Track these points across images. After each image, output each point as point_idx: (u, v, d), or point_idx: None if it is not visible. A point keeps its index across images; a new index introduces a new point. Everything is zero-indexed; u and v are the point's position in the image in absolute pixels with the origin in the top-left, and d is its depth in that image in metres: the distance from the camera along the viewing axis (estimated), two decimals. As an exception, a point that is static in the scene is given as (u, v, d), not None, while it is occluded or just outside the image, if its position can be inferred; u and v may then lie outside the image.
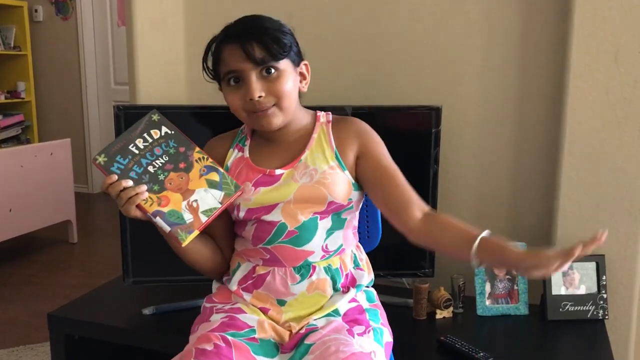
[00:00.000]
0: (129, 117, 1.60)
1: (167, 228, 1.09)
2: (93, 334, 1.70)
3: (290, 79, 1.16)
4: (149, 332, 1.64)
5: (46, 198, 3.38)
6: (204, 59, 1.21)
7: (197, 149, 1.15)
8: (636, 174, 1.64)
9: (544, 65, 1.76)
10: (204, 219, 1.11)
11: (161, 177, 1.12)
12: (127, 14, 1.97)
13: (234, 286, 1.22)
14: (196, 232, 1.10)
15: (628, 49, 1.59)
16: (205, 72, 1.21)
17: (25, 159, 3.25)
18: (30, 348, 2.34)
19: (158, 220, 1.09)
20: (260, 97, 1.12)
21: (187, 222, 1.10)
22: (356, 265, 1.26)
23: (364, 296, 1.26)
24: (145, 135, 1.14)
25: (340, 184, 1.17)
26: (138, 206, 1.09)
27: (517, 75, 1.79)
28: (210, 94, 2.04)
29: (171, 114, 1.66)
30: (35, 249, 3.59)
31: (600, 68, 1.62)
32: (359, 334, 1.13)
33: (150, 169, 1.12)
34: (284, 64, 1.15)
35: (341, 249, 1.22)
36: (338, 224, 1.20)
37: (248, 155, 1.22)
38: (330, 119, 1.26)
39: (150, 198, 1.10)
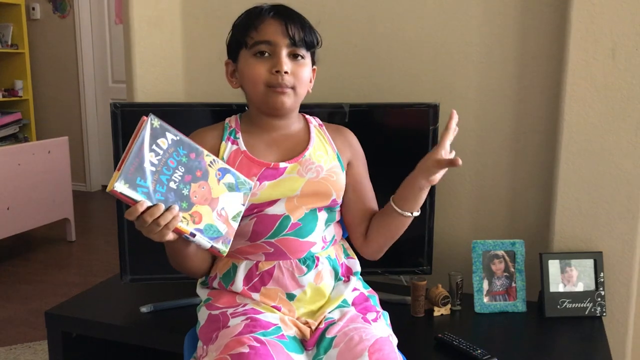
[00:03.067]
0: (125, 115, 1.60)
1: (208, 244, 1.04)
2: (91, 332, 1.69)
3: (309, 71, 1.22)
4: (147, 330, 1.64)
5: (44, 196, 3.38)
6: (237, 24, 1.22)
7: (206, 151, 1.06)
8: (634, 170, 1.64)
9: (541, 62, 1.76)
10: (235, 225, 1.07)
11: (185, 191, 1.01)
12: (125, 12, 1.96)
13: (239, 287, 1.19)
14: (231, 240, 1.07)
15: (626, 46, 1.59)
16: (232, 37, 1.23)
17: (23, 157, 3.25)
18: (28, 346, 2.34)
19: (197, 238, 1.02)
20: (286, 72, 1.15)
21: (224, 233, 1.05)
22: (346, 255, 1.30)
23: (360, 283, 1.31)
24: (154, 147, 0.99)
25: (341, 183, 1.24)
26: (175, 230, 1.00)
27: (515, 72, 1.79)
28: (207, 92, 2.05)
29: (169, 111, 1.67)
30: (33, 248, 3.59)
31: (598, 65, 1.62)
32: (373, 320, 1.18)
33: (173, 185, 1.00)
34: (308, 57, 1.21)
35: (334, 239, 1.26)
36: (331, 216, 1.25)
37: (245, 148, 1.21)
38: (321, 123, 1.31)
39: (184, 217, 1.00)
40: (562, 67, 1.68)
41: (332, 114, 1.62)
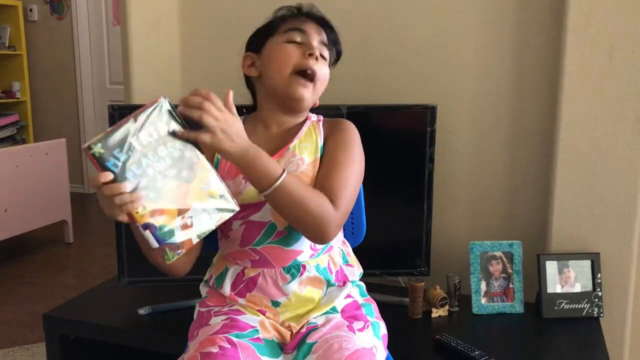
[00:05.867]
0: (123, 116, 1.59)
1: (155, 244, 0.95)
2: (89, 334, 1.69)
3: (327, 76, 1.23)
4: (145, 332, 1.64)
5: (42, 198, 3.38)
6: (274, 19, 1.24)
7: (204, 159, 0.99)
8: (630, 172, 1.64)
9: (538, 64, 1.76)
10: (195, 240, 0.98)
11: (160, 184, 0.95)
12: (122, 13, 1.97)
13: (227, 291, 1.20)
14: (183, 252, 0.97)
15: (622, 48, 1.59)
16: (260, 30, 1.25)
17: (21, 159, 3.24)
18: (26, 349, 2.34)
19: (147, 233, 0.94)
20: (318, 57, 1.17)
21: (178, 242, 0.96)
22: (345, 262, 1.27)
23: (357, 291, 1.27)
24: (151, 128, 0.94)
25: None
26: (128, 214, 0.94)
27: (512, 73, 1.79)
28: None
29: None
30: (31, 249, 3.58)
31: (594, 67, 1.62)
32: (359, 330, 1.14)
33: (150, 172, 0.94)
34: (327, 65, 1.23)
35: (329, 246, 1.22)
36: None
37: None
38: (322, 119, 1.29)
39: (144, 207, 0.93)
40: (559, 69, 1.68)
41: (330, 116, 1.62)
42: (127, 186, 0.92)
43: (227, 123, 0.97)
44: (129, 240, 1.67)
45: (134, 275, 1.70)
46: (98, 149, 0.90)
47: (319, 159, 1.19)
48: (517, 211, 1.86)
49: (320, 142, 1.22)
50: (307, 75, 1.16)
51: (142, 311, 1.70)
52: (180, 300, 1.74)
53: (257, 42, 1.24)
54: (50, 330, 1.71)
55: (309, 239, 1.16)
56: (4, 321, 2.60)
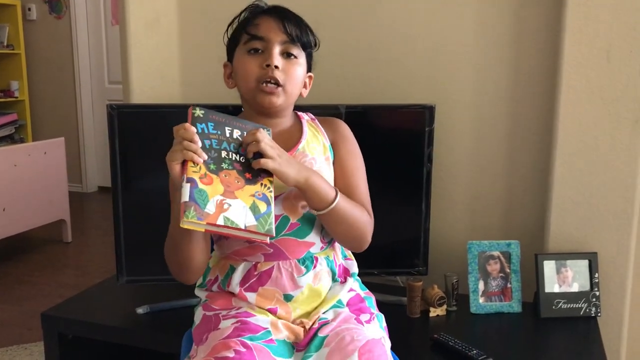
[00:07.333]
0: (122, 116, 1.60)
1: (186, 198, 0.97)
2: (87, 333, 1.69)
3: (302, 72, 1.22)
4: (143, 331, 1.64)
5: (40, 197, 3.37)
6: (233, 21, 1.26)
7: (271, 179, 1.07)
8: (628, 172, 1.65)
9: (536, 64, 1.77)
10: (221, 221, 0.98)
11: (224, 165, 1.03)
12: (121, 13, 1.96)
13: (235, 289, 1.19)
14: (202, 226, 0.98)
15: (620, 48, 1.60)
16: (226, 34, 1.27)
17: (19, 158, 3.24)
18: (24, 348, 2.34)
19: (185, 186, 0.98)
20: (277, 67, 1.16)
21: (206, 210, 0.98)
22: (344, 256, 1.30)
23: (357, 284, 1.31)
24: (245, 134, 1.08)
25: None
26: (184, 163, 1.00)
27: (511, 73, 1.80)
28: (204, 93, 2.05)
29: (165, 113, 1.67)
30: (29, 249, 3.58)
31: (592, 66, 1.62)
32: (366, 322, 1.17)
33: (223, 154, 1.04)
34: (302, 59, 1.21)
35: (333, 240, 1.26)
36: None
37: None
38: (314, 117, 1.32)
39: (200, 167, 1.01)
40: (557, 69, 1.69)
41: (328, 115, 1.62)
42: (199, 143, 1.01)
43: (281, 151, 1.08)
44: (127, 239, 1.67)
45: (132, 274, 1.70)
46: (199, 111, 1.06)
47: (330, 158, 1.25)
48: (515, 211, 1.86)
49: (327, 142, 1.26)
50: (270, 84, 1.17)
51: (140, 310, 1.70)
52: (178, 299, 1.74)
53: (229, 51, 1.25)
54: (49, 329, 1.71)
55: (350, 248, 1.28)
56: (2, 320, 2.60)
